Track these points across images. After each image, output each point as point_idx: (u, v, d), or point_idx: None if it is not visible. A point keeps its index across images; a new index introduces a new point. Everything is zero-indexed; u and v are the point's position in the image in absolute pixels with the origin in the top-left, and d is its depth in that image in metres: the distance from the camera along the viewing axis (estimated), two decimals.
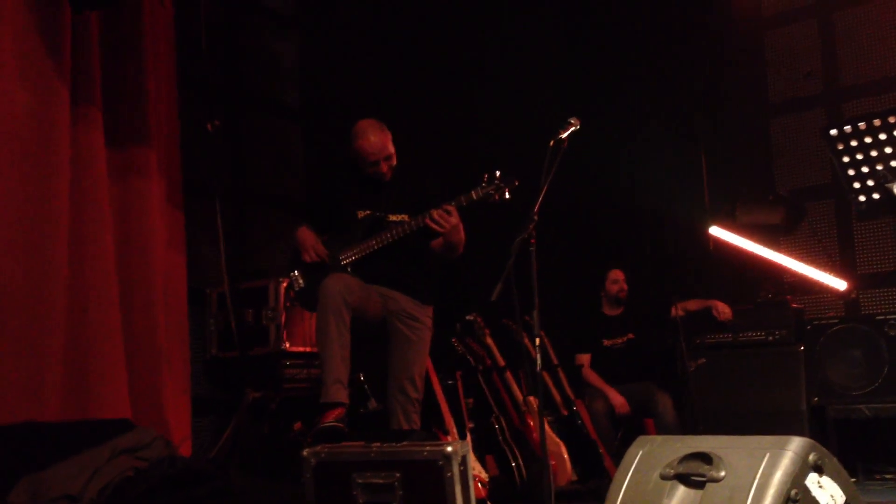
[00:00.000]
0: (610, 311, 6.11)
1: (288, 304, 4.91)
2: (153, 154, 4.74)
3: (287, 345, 4.91)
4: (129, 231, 4.65)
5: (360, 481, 3.10)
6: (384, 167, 4.29)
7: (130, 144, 4.68)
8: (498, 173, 4.04)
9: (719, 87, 6.66)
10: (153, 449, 3.44)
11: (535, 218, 3.42)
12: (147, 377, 4.58)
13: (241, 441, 4.58)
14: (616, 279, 6.07)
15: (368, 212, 4.34)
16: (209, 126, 5.04)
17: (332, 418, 3.93)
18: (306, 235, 4.41)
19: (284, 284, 4.91)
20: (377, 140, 4.25)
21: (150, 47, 4.78)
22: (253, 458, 4.58)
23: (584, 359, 5.95)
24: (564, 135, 3.56)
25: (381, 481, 3.07)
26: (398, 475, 3.04)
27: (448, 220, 4.10)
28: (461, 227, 4.18)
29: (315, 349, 4.44)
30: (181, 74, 5.08)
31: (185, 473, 3.49)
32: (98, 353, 4.31)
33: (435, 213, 4.11)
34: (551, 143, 3.54)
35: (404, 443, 3.17)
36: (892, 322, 5.15)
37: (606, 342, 5.96)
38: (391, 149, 4.30)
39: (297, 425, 4.76)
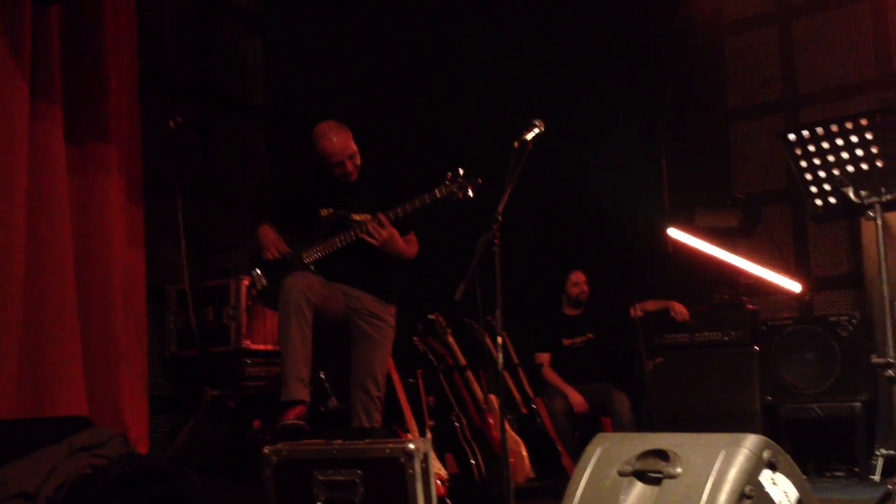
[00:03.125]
0: (570, 311, 6.17)
1: (250, 303, 4.89)
2: (113, 150, 4.70)
3: (248, 343, 4.89)
4: (88, 227, 4.60)
5: (321, 479, 3.10)
6: (349, 166, 4.29)
7: (90, 140, 4.64)
8: (461, 171, 4.06)
9: (681, 92, 6.74)
10: (110, 447, 3.42)
11: (499, 218, 3.44)
12: (104, 375, 4.54)
13: (200, 439, 4.55)
14: (577, 281, 6.12)
15: (332, 210, 4.34)
16: (171, 123, 5.00)
17: (293, 416, 3.93)
18: (268, 233, 4.39)
19: (246, 282, 4.89)
20: (339, 140, 4.25)
21: (112, 42, 4.73)
22: (212, 457, 4.55)
23: (544, 358, 6.00)
24: (529, 136, 3.58)
25: (342, 479, 3.07)
26: (360, 472, 3.05)
27: (379, 232, 4.12)
28: (396, 240, 4.18)
29: (276, 347, 4.43)
30: (144, 70, 5.04)
31: (143, 471, 3.46)
32: (55, 351, 4.27)
33: (368, 226, 4.13)
34: (516, 144, 3.56)
35: (366, 440, 3.18)
36: (845, 324, 5.26)
37: (566, 342, 6.02)
38: (353, 147, 4.30)
39: (257, 423, 4.75)
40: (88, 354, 4.46)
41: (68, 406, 4.19)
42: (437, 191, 4.09)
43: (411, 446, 3.01)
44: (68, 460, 3.26)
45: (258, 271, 4.41)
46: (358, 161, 4.33)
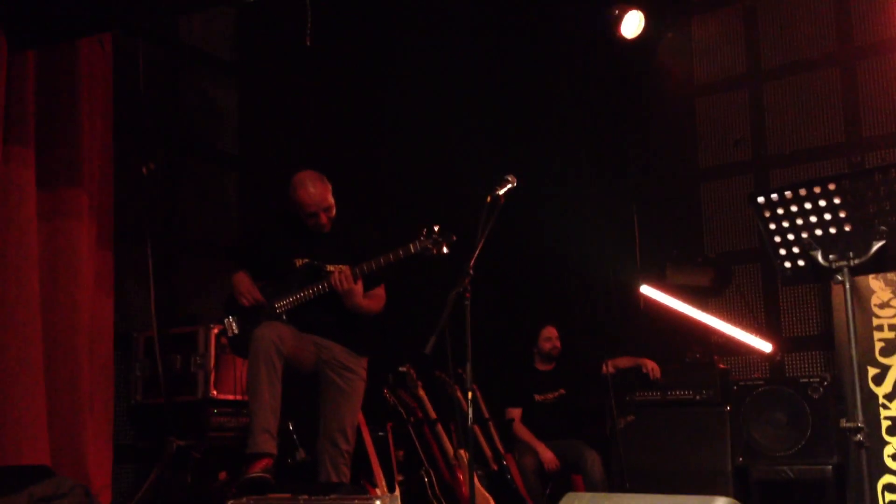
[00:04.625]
0: (542, 366, 6.15)
1: (219, 351, 4.83)
2: (85, 196, 4.67)
3: (215, 392, 4.83)
4: (57, 272, 4.56)
5: None
6: (323, 218, 4.29)
7: (62, 185, 4.61)
8: (436, 228, 4.07)
9: (652, 151, 6.83)
10: (71, 498, 3.34)
11: (471, 272, 3.44)
12: (68, 422, 4.46)
13: (163, 490, 4.46)
14: (549, 336, 6.11)
15: (306, 260, 4.33)
16: (144, 169, 5.00)
17: (259, 469, 3.86)
18: (243, 280, 4.37)
19: (216, 331, 4.85)
20: (316, 192, 4.25)
21: (87, 88, 4.73)
22: None
23: (516, 413, 5.96)
24: (501, 191, 3.61)
25: None
26: None
27: (343, 282, 4.12)
28: (355, 296, 4.19)
29: (245, 397, 4.37)
30: (118, 117, 5.03)
31: None
32: (18, 396, 4.19)
33: (336, 274, 4.13)
34: (488, 199, 3.58)
35: (332, 496, 3.13)
36: (815, 385, 5.27)
37: (538, 397, 5.99)
38: (331, 200, 4.30)
39: (223, 475, 4.67)
40: (53, 401, 4.38)
41: (30, 454, 4.10)
42: (411, 246, 4.09)
43: (378, 503, 2.97)
44: None
45: (230, 318, 4.37)
46: (333, 213, 4.33)
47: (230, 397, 4.90)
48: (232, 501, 3.18)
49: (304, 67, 6.09)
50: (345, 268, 4.16)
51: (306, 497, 3.10)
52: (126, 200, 5.06)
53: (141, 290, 5.07)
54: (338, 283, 4.13)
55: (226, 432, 4.84)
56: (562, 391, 5.99)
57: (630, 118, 6.85)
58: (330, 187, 4.31)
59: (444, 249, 4.06)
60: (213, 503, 4.39)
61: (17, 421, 4.16)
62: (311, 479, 4.32)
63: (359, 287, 4.18)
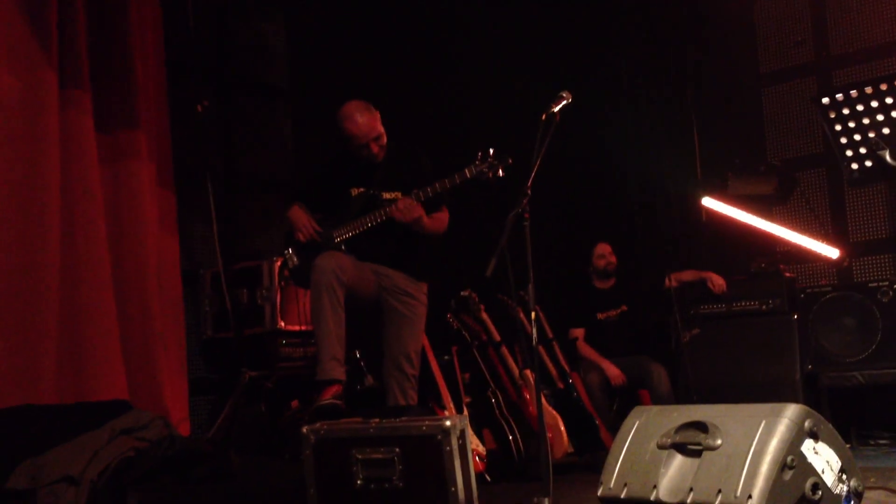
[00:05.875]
0: (601, 284, 6.10)
1: (282, 283, 4.91)
2: (143, 137, 4.72)
3: (282, 324, 4.91)
4: (121, 214, 4.65)
5: (359, 457, 3.11)
6: (374, 147, 4.28)
7: (119, 128, 4.67)
8: (492, 151, 4.04)
9: (710, 58, 6.64)
10: (152, 429, 3.45)
11: (528, 193, 3.41)
12: (143, 359, 4.59)
13: (238, 421, 4.59)
14: (602, 254, 6.03)
15: (362, 189, 4.34)
16: (198, 108, 5.03)
17: (329, 395, 3.95)
18: (299, 214, 4.40)
19: (278, 263, 4.91)
20: (364, 122, 4.23)
21: (138, 30, 4.75)
22: (251, 437, 4.59)
23: (579, 333, 5.96)
24: (556, 108, 3.55)
25: (380, 456, 3.08)
26: (397, 450, 3.06)
27: (409, 212, 4.12)
28: (425, 220, 4.20)
29: (310, 328, 4.45)
30: (169, 57, 5.05)
31: (185, 453, 3.51)
32: (93, 336, 4.32)
33: (400, 204, 4.13)
34: (543, 117, 3.53)
35: (403, 418, 3.18)
36: (885, 289, 5.17)
37: (600, 315, 5.97)
38: (380, 129, 4.28)
39: (295, 403, 4.78)
40: (126, 339, 4.51)
41: (108, 390, 4.24)
42: (467, 170, 4.07)
43: (448, 423, 3.01)
44: (110, 444, 3.29)
45: (290, 251, 4.43)
46: (384, 142, 4.31)
47: (296, 328, 4.99)
48: (306, 428, 3.25)
49: None
50: (405, 197, 4.16)
51: (377, 420, 3.16)
52: (183, 140, 5.11)
53: (204, 227, 5.15)
54: (403, 213, 4.14)
55: (295, 362, 4.94)
56: (623, 308, 5.95)
57: (688, 24, 6.65)
58: (378, 115, 4.28)
59: (500, 172, 4.03)
60: (287, 431, 4.51)
61: (94, 358, 4.30)
62: (379, 405, 4.40)
63: (422, 211, 4.18)
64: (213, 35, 5.67)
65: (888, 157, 3.10)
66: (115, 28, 4.65)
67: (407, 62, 6.36)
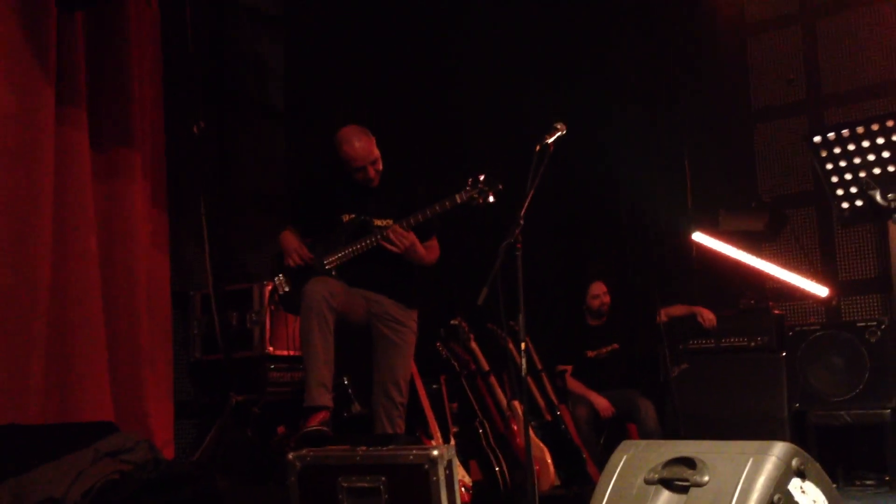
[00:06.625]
0: (593, 321, 6.08)
1: (272, 307, 4.89)
2: (138, 155, 4.72)
3: (271, 348, 4.90)
4: (113, 233, 4.63)
5: (345, 485, 3.09)
6: (371, 171, 4.29)
7: (115, 146, 4.67)
8: (482, 177, 4.05)
9: (703, 94, 6.69)
10: (137, 452, 3.42)
11: (522, 222, 3.42)
12: (130, 380, 4.56)
13: (224, 445, 4.56)
14: (596, 294, 6.01)
15: (354, 216, 4.34)
16: (195, 128, 5.02)
17: (316, 422, 3.92)
18: (290, 239, 4.40)
19: (269, 287, 4.90)
20: (361, 146, 4.25)
21: (136, 48, 4.76)
22: (237, 462, 4.56)
23: (567, 367, 5.95)
24: (551, 139, 3.57)
25: (366, 485, 3.06)
26: (384, 479, 3.04)
27: (401, 239, 4.12)
28: (417, 247, 4.20)
29: (299, 353, 4.43)
30: (167, 75, 5.06)
31: (169, 476, 3.47)
32: (80, 356, 4.29)
33: (390, 232, 4.13)
34: (538, 147, 3.55)
35: (390, 446, 3.17)
36: (873, 329, 5.19)
37: (590, 353, 5.93)
38: (376, 153, 4.30)
39: (281, 429, 4.75)
40: (114, 360, 4.48)
41: (94, 411, 4.20)
42: (457, 196, 4.08)
43: (435, 453, 3.00)
44: (94, 465, 3.27)
45: (281, 277, 4.42)
46: (380, 167, 4.32)
47: (285, 353, 4.96)
48: (292, 454, 3.23)
49: (349, 20, 6.06)
50: (394, 225, 4.17)
51: (364, 448, 3.14)
52: (178, 159, 5.11)
53: (195, 248, 5.13)
54: (395, 242, 4.14)
55: (282, 387, 4.91)
56: (615, 345, 5.93)
57: (680, 60, 6.71)
58: (374, 140, 4.30)
59: (491, 198, 4.04)
60: (273, 456, 4.48)
61: (80, 378, 4.27)
62: (367, 432, 4.38)
63: (414, 238, 4.19)
64: (211, 54, 5.68)
65: (878, 197, 3.12)
66: (113, 46, 4.66)
67: (405, 86, 6.39)
